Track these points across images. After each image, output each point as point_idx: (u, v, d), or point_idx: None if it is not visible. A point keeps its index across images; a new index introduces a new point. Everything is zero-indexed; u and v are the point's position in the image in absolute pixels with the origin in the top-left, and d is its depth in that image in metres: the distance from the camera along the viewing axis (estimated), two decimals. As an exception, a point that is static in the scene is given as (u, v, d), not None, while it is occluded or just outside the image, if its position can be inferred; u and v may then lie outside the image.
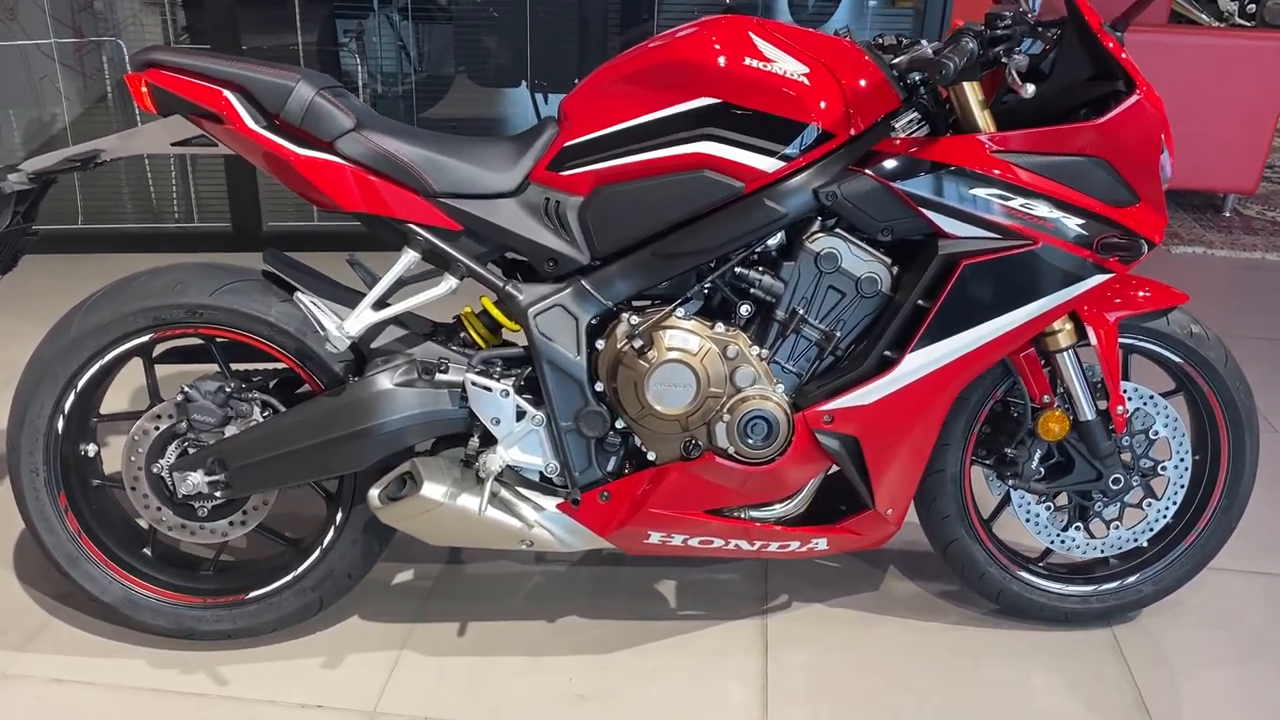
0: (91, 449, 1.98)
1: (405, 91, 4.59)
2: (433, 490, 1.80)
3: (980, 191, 1.73)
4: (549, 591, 2.21)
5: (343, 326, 1.76)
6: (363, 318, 1.78)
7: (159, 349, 1.94)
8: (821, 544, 1.95)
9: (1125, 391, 1.98)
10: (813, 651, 2.06)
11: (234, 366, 1.95)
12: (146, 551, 2.01)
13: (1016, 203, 1.73)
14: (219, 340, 1.90)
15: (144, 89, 1.77)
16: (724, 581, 2.25)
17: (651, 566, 2.28)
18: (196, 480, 1.85)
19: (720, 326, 1.81)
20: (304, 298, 1.76)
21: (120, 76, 4.14)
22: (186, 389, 1.84)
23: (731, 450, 1.82)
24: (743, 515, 1.91)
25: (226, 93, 1.72)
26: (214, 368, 1.95)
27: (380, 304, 1.81)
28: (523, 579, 2.25)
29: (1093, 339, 1.90)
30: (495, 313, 1.91)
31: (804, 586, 2.24)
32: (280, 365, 1.98)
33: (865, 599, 2.22)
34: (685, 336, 1.79)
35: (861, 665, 2.03)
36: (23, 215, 1.87)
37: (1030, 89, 1.59)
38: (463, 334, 1.94)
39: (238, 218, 3.98)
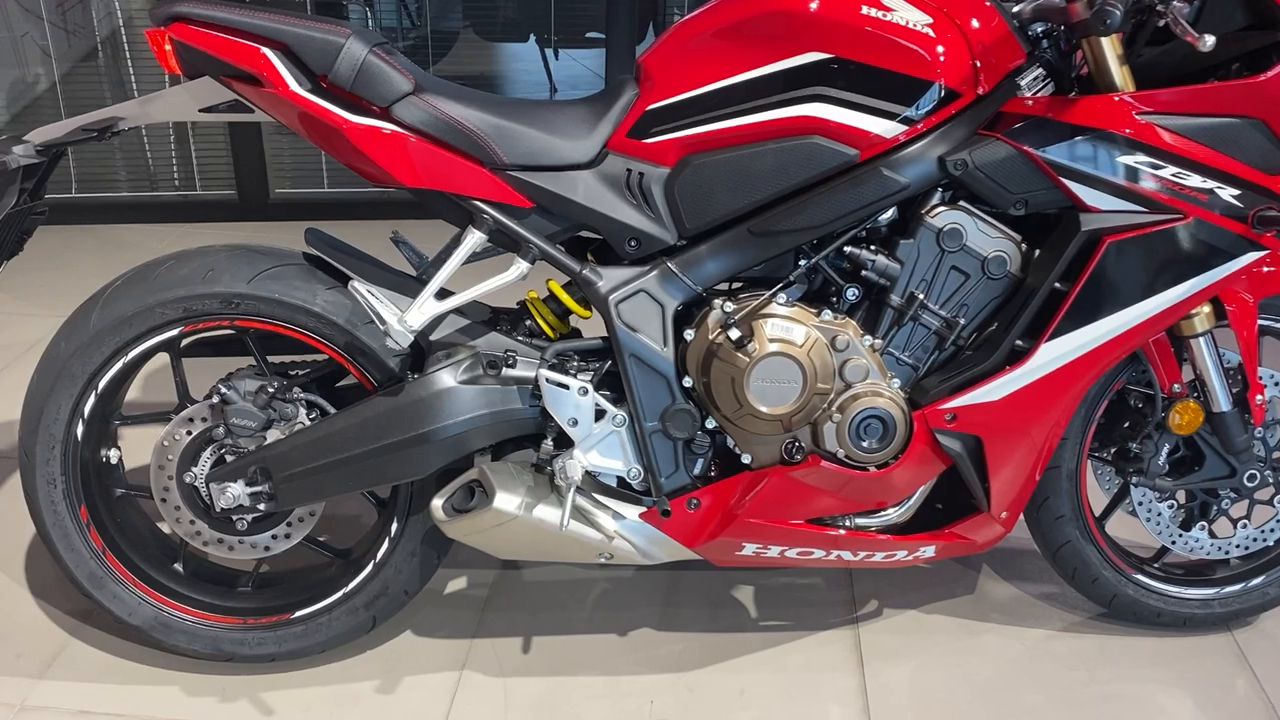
0: (114, 454, 1.77)
1: (407, 48, 4.32)
2: (507, 501, 1.60)
3: (1129, 159, 1.52)
4: (617, 600, 2.02)
5: (404, 319, 1.55)
6: (426, 309, 1.57)
7: (185, 342, 1.73)
8: (929, 551, 1.77)
9: (1261, 378, 1.79)
10: (913, 666, 1.88)
11: (265, 359, 1.74)
12: (178, 567, 1.81)
13: (1168, 171, 1.52)
14: (254, 332, 1.69)
15: (167, 46, 1.54)
16: (806, 587, 2.06)
17: (724, 571, 2.10)
18: (237, 492, 1.64)
19: (828, 314, 1.61)
20: (360, 286, 1.55)
21: (109, 32, 3.87)
22: (223, 389, 1.63)
23: (841, 454, 1.62)
24: (847, 524, 1.72)
25: (266, 51, 1.49)
26: (244, 360, 1.74)
27: (443, 292, 1.60)
28: (586, 586, 2.06)
29: (1230, 321, 1.70)
30: (565, 298, 1.70)
31: (893, 591, 2.06)
32: (320, 357, 1.78)
33: (961, 604, 2.03)
34: (789, 326, 1.59)
35: (968, 680, 1.85)
36: (30, 192, 1.64)
37: (1210, 40, 1.37)
38: (528, 322, 1.73)
39: (243, 185, 3.74)
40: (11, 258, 1.72)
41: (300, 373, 1.76)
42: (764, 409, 1.59)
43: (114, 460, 1.76)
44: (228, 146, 3.76)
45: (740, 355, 1.57)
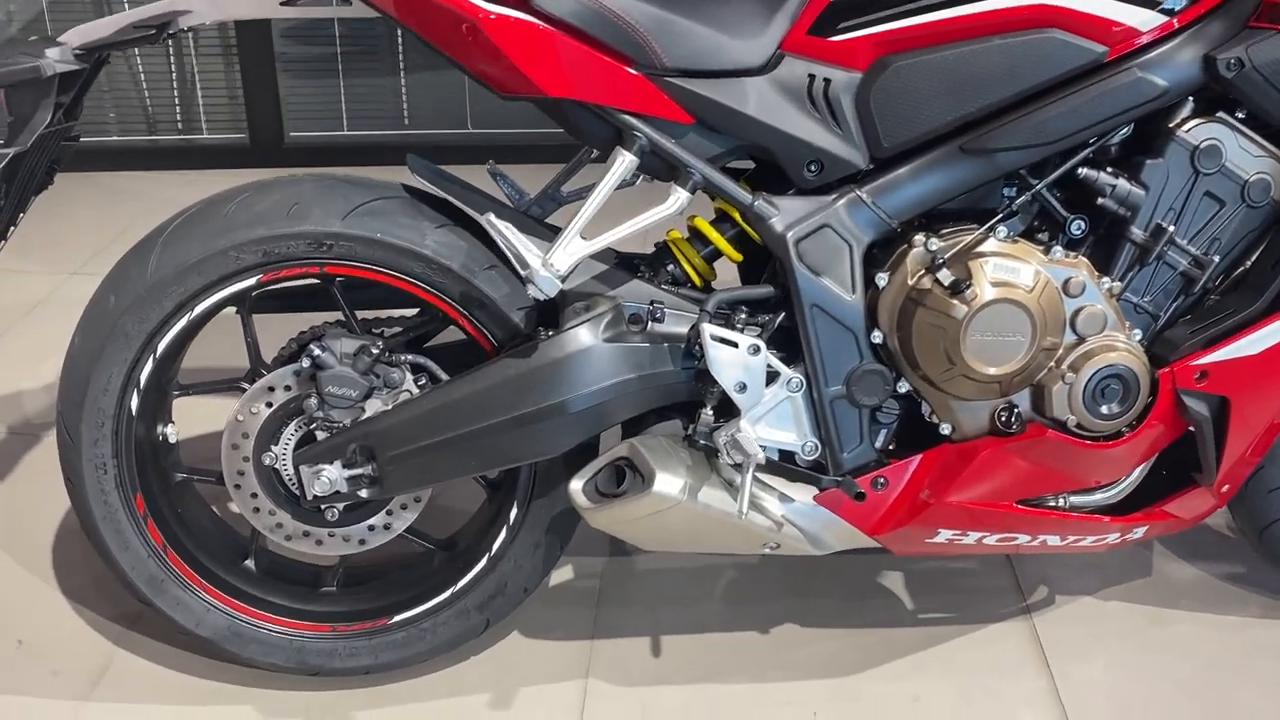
0: (171, 432, 1.47)
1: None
2: (668, 484, 1.31)
3: None
4: (749, 591, 1.75)
5: (549, 261, 1.25)
6: (572, 249, 1.27)
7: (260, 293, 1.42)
8: (1139, 532, 1.50)
9: None
10: (1105, 663, 1.62)
11: (355, 314, 1.44)
12: (249, 565, 1.51)
13: None
14: (343, 281, 1.39)
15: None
16: (961, 572, 1.80)
17: (861, 556, 1.82)
18: (333, 476, 1.34)
19: (1058, 251, 1.33)
20: (496, 221, 1.24)
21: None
22: (316, 350, 1.33)
23: (1071, 422, 1.35)
24: (1060, 504, 1.45)
25: (378, -79, 1.18)
26: (311, 317, 1.44)
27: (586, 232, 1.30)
28: (710, 575, 1.78)
29: None
30: (715, 237, 1.41)
31: (1061, 575, 1.79)
32: (411, 313, 1.48)
33: (1141, 589, 1.77)
34: (1014, 266, 1.30)
35: (1172, 679, 1.59)
36: (65, 109, 1.32)
37: None
38: (670, 267, 1.44)
39: (256, 127, 3.39)
40: (40, 192, 1.40)
41: (392, 332, 1.46)
42: (983, 368, 1.31)
43: (172, 438, 1.46)
44: (226, 87, 3.41)
45: (955, 303, 1.29)
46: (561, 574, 1.77)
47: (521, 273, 1.24)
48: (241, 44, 3.34)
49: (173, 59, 3.47)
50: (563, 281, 1.26)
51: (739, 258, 1.43)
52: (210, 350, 1.65)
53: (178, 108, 3.47)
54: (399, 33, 3.48)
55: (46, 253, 2.82)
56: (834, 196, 1.33)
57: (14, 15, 3.39)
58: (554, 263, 1.25)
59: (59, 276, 2.68)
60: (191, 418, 1.76)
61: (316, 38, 3.46)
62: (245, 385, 1.41)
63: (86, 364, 1.33)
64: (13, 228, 1.37)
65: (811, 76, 1.31)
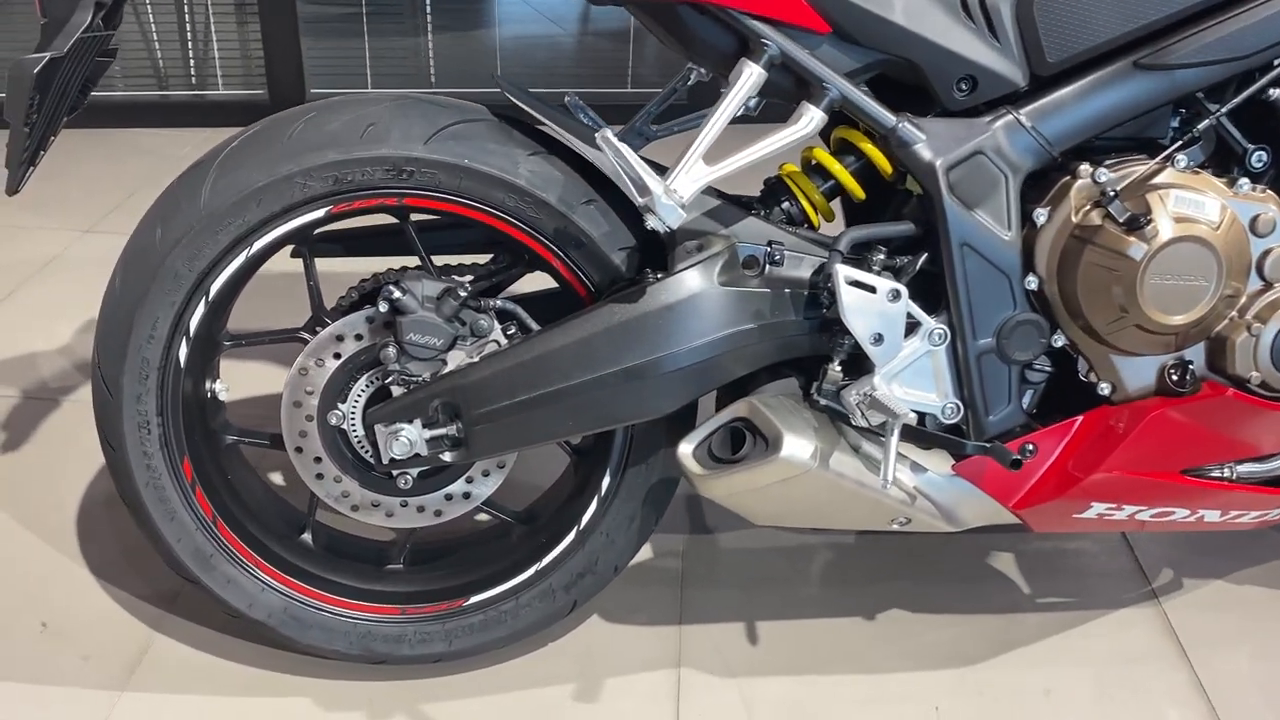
0: (221, 388, 1.30)
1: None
2: (798, 449, 1.14)
3: None
4: (848, 572, 1.58)
5: (671, 187, 1.08)
6: (695, 173, 1.10)
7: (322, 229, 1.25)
8: (1307, 508, 1.35)
9: None
10: (1248, 652, 1.46)
11: (429, 256, 1.27)
12: (306, 539, 1.34)
13: None
14: (419, 216, 1.22)
15: None
16: (1076, 553, 1.64)
17: (965, 532, 1.66)
18: (413, 437, 1.17)
19: (1245, 184, 1.16)
20: (613, 139, 1.07)
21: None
22: (396, 292, 1.15)
23: (1255, 379, 1.19)
24: (1226, 475, 1.29)
25: None
26: (370, 264, 1.27)
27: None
28: (802, 554, 1.62)
29: None
30: (838, 170, 1.24)
31: (1185, 556, 1.63)
32: (483, 258, 1.32)
33: (1274, 572, 1.62)
34: (1198, 200, 1.14)
35: (1325, 671, 1.45)
36: (104, 16, 1.14)
37: None
38: (785, 203, 1.27)
39: (275, 84, 3.20)
40: (73, 113, 1.22)
41: (480, 276, 1.29)
42: (1161, 317, 1.14)
43: (222, 395, 1.29)
44: (241, 42, 3.22)
45: (1131, 240, 1.12)
46: (639, 552, 1.61)
47: (639, 200, 1.07)
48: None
49: (186, 8, 3.28)
50: (685, 211, 1.09)
51: (862, 195, 1.26)
52: (259, 298, 1.48)
53: (191, 62, 3.29)
54: (427, -15, 3.31)
55: (58, 208, 2.63)
56: (988, 119, 1.17)
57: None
58: (676, 188, 1.08)
59: (71, 234, 2.50)
60: (237, 375, 1.60)
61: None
62: (307, 335, 1.24)
63: (129, 308, 1.16)
64: (42, 152, 1.19)
65: (965, -20, 1.14)
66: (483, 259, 1.36)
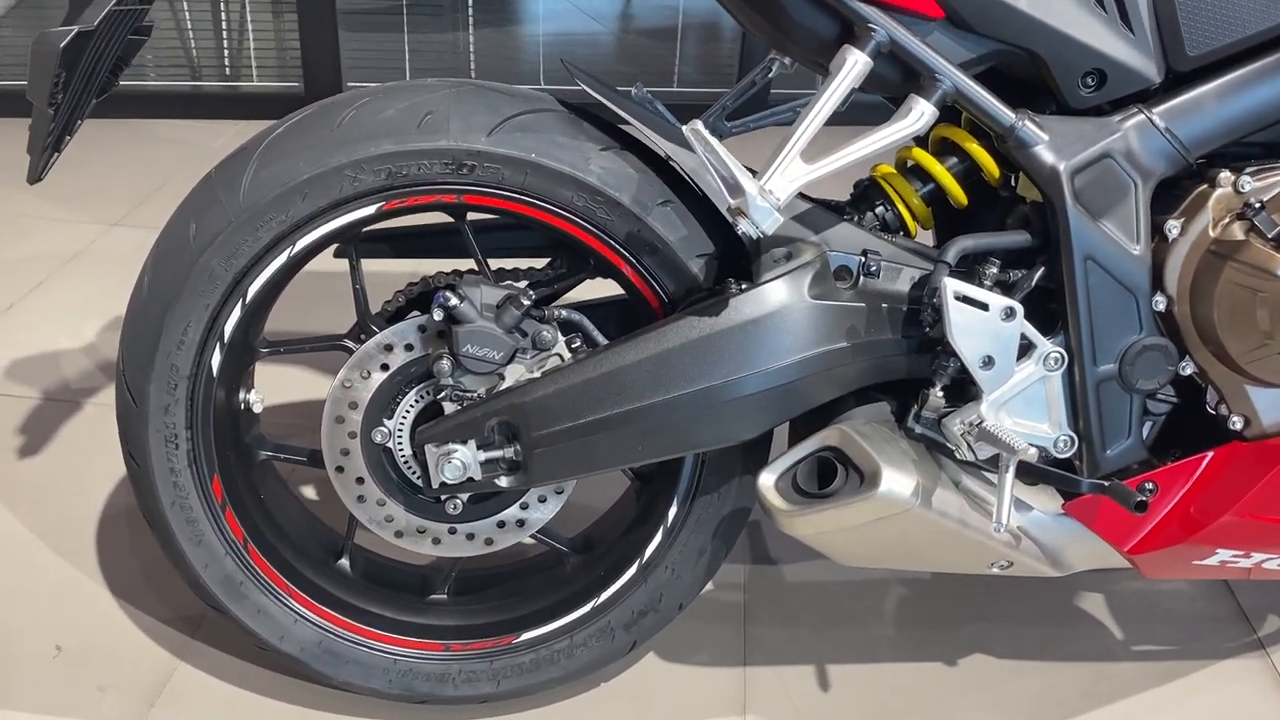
0: (255, 399, 1.19)
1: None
2: (899, 484, 1.02)
3: None
4: (921, 611, 1.45)
5: (766, 188, 0.96)
6: (791, 173, 0.98)
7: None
8: None
9: None
10: (1372, 712, 1.34)
11: (486, 261, 1.15)
12: (344, 566, 1.23)
13: None
14: (478, 216, 1.10)
15: None
16: (1170, 594, 1.51)
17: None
18: (467, 460, 1.06)
19: None
20: (706, 132, 0.95)
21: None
22: (453, 299, 1.04)
23: None
24: (1367, 519, 1.15)
25: None
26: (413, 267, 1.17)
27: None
28: (871, 591, 1.49)
29: None
30: (938, 172, 1.12)
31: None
32: (541, 262, 1.20)
33: (1392, 621, 1.49)
34: (1358, 214, 1.01)
35: None
36: (139, -14, 1.04)
37: None
38: (880, 207, 1.15)
39: (312, 76, 3.11)
40: (103, 95, 1.11)
41: (542, 284, 1.18)
42: (1313, 344, 1.02)
43: (256, 407, 1.18)
44: (276, 32, 3.13)
45: (1281, 259, 1.00)
46: (699, 584, 1.49)
47: (730, 203, 0.95)
48: (299, -16, 3.06)
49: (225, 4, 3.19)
50: (780, 215, 0.97)
51: (965, 200, 1.14)
52: (298, 300, 1.37)
53: (226, 52, 3.19)
54: (469, -22, 3.21)
55: (83, 200, 2.54)
56: (1117, 119, 1.04)
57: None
58: (771, 189, 0.97)
59: (98, 227, 2.40)
60: (273, 382, 1.49)
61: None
62: (351, 344, 1.13)
63: (159, 310, 1.05)
64: (67, 136, 1.09)
65: (1097, -37, 1.02)
66: (540, 263, 1.25)
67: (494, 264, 1.20)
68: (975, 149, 1.10)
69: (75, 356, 1.91)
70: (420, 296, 1.18)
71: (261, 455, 1.19)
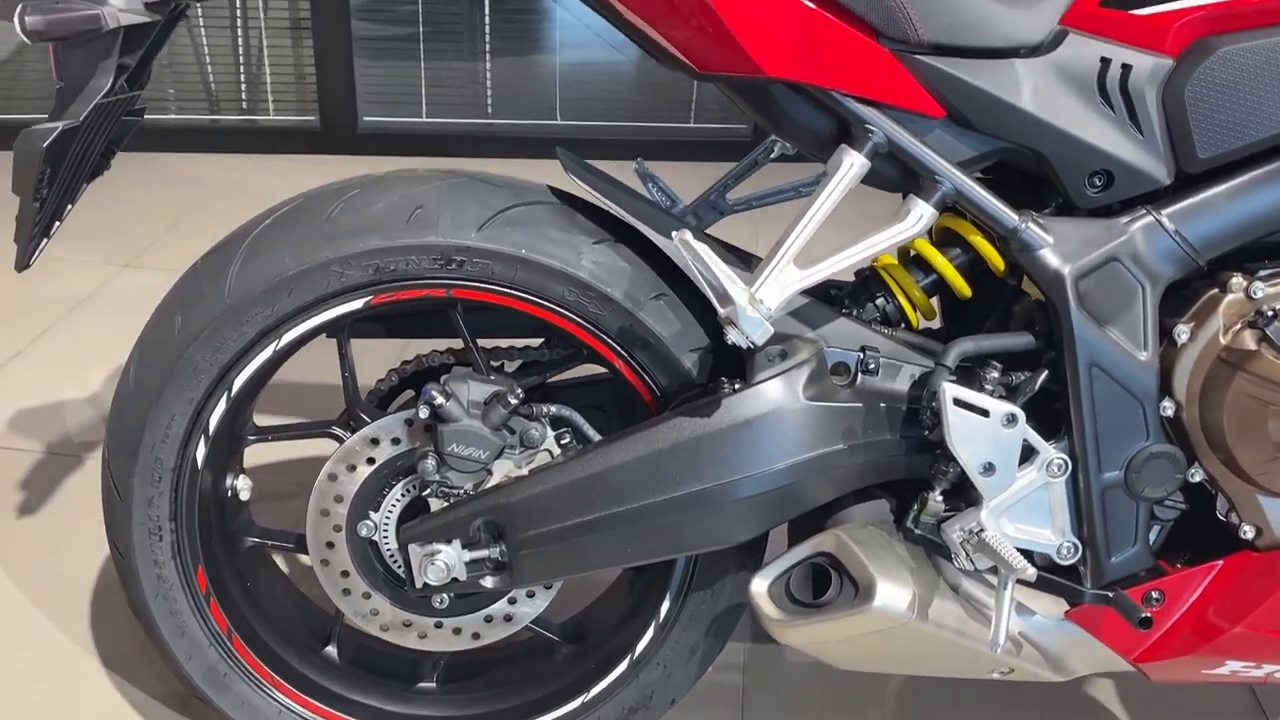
0: (242, 485, 1.17)
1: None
2: (894, 597, 0.99)
3: None
4: (927, 699, 1.42)
5: (756, 296, 0.94)
6: (784, 280, 0.95)
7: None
8: None
9: None
10: (1390, 818, 1.29)
11: (479, 347, 1.13)
12: (331, 653, 1.21)
13: None
14: (467, 305, 1.09)
15: None
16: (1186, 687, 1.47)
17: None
18: (450, 561, 1.04)
19: None
20: (691, 241, 0.93)
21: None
22: (438, 396, 1.02)
23: None
24: (1384, 630, 1.11)
25: None
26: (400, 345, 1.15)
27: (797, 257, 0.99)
28: (874, 676, 1.46)
29: None
30: (940, 264, 1.08)
31: (1309, 691, 1.46)
32: (535, 343, 1.18)
33: None
34: (1375, 325, 0.98)
35: None
36: (129, 77, 1.03)
37: None
38: (880, 299, 1.12)
39: (328, 110, 3.11)
40: (94, 178, 1.11)
41: (515, 365, 1.16)
42: (1327, 459, 0.98)
43: (244, 494, 1.17)
44: (295, 65, 3.13)
45: (1297, 370, 0.96)
46: (697, 663, 1.46)
47: (720, 312, 0.92)
48: (316, 19, 3.06)
49: (240, 32, 3.20)
50: (772, 324, 0.94)
51: (969, 292, 1.11)
52: (292, 376, 1.36)
53: (243, 86, 3.20)
54: (486, 13, 3.20)
55: (96, 240, 2.54)
56: (1125, 220, 1.01)
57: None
58: (762, 298, 0.94)
59: (109, 268, 2.41)
60: (265, 459, 1.48)
61: (396, 16, 3.18)
62: (339, 431, 1.11)
63: (143, 404, 1.04)
64: (58, 222, 1.08)
65: (1104, 61, 0.98)
66: (535, 341, 1.23)
67: (490, 342, 1.19)
68: (979, 241, 1.07)
69: (79, 407, 1.91)
70: (412, 376, 1.17)
71: (248, 542, 1.18)
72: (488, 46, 3.25)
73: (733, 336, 0.93)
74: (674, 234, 0.93)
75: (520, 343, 1.22)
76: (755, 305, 0.93)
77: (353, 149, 3.13)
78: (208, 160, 3.07)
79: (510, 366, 1.23)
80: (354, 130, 3.13)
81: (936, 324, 1.20)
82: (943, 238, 1.12)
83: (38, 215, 1.01)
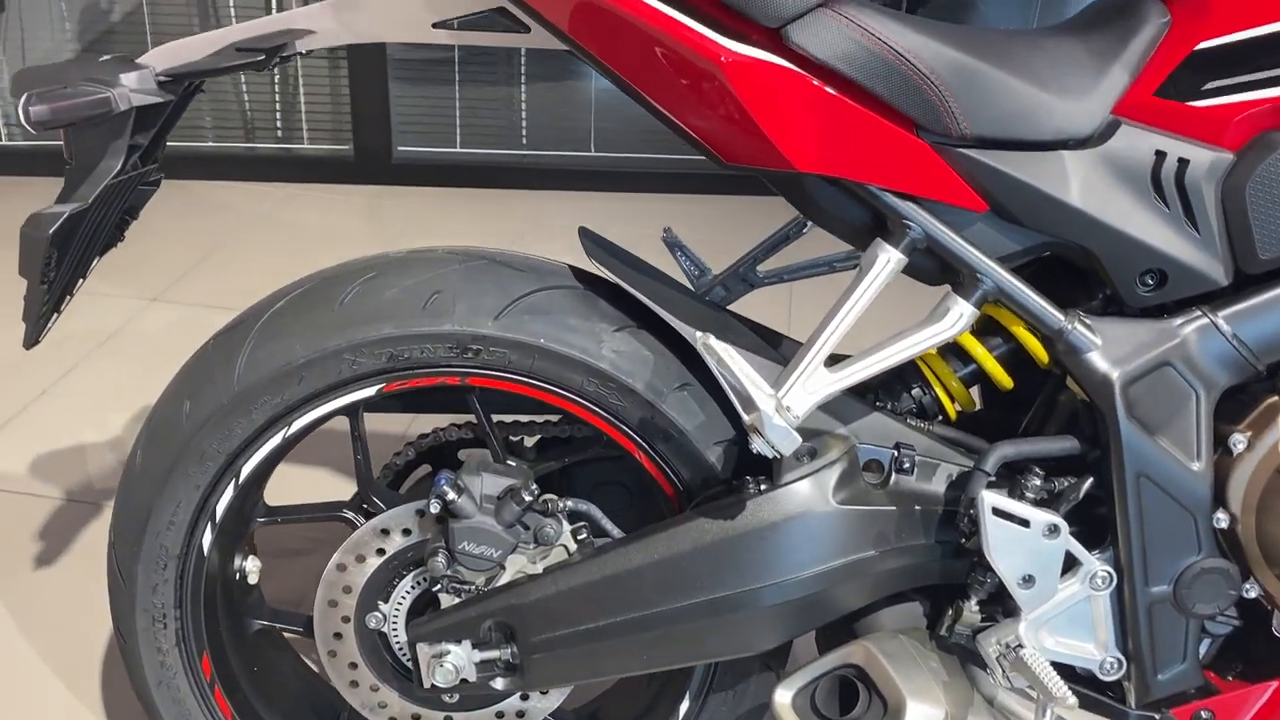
0: (251, 567, 1.14)
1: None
2: (926, 717, 0.94)
3: None
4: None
5: (784, 403, 0.89)
6: (814, 384, 0.91)
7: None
8: None
9: None
10: None
11: (496, 433, 1.10)
12: (339, 741, 1.18)
13: None
14: (484, 391, 1.05)
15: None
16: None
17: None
18: (460, 662, 1.00)
19: None
20: (716, 345, 0.88)
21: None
22: (449, 491, 0.98)
23: None
24: None
25: (582, -86, 0.83)
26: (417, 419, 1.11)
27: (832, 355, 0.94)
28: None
29: None
30: (980, 354, 1.03)
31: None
32: (554, 418, 1.14)
33: None
34: None
35: None
36: (142, 154, 1.00)
37: None
38: (915, 388, 1.07)
39: (362, 139, 3.10)
40: (107, 251, 1.08)
41: (534, 441, 1.12)
42: (1396, 584, 0.92)
43: (252, 576, 1.14)
44: (331, 93, 3.12)
45: (1362, 490, 0.90)
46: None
47: (745, 418, 0.88)
48: (351, 49, 3.04)
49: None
50: (798, 436, 0.89)
51: (1010, 384, 1.06)
52: (304, 450, 1.32)
53: (278, 114, 3.20)
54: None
55: (124, 272, 2.52)
56: (1178, 322, 0.95)
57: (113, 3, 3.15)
58: (789, 405, 0.89)
59: (136, 302, 2.40)
60: (271, 540, 1.44)
61: (432, 45, 3.15)
62: (351, 514, 1.08)
63: (149, 490, 1.01)
64: (69, 297, 1.06)
65: (1159, 154, 0.93)
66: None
67: (506, 414, 1.15)
68: (1021, 332, 1.02)
69: (100, 452, 1.90)
70: (428, 450, 1.14)
71: (256, 625, 1.14)
72: (523, 77, 3.22)
73: (758, 446, 0.88)
74: (698, 336, 0.89)
75: (540, 417, 1.19)
76: (782, 413, 0.88)
77: (386, 179, 3.11)
78: (241, 188, 3.07)
79: (529, 440, 1.19)
80: (388, 160, 3.12)
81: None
82: (983, 326, 1.06)
83: (46, 296, 0.98)
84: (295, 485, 1.25)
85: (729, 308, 1.20)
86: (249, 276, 2.53)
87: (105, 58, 0.95)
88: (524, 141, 3.23)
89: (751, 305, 1.14)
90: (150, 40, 3.11)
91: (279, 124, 3.20)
